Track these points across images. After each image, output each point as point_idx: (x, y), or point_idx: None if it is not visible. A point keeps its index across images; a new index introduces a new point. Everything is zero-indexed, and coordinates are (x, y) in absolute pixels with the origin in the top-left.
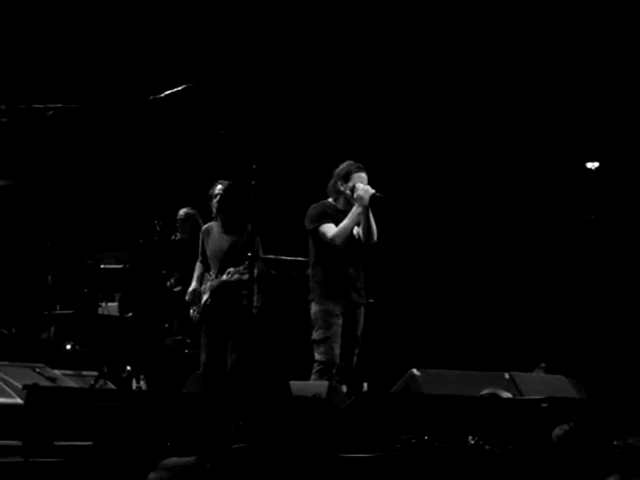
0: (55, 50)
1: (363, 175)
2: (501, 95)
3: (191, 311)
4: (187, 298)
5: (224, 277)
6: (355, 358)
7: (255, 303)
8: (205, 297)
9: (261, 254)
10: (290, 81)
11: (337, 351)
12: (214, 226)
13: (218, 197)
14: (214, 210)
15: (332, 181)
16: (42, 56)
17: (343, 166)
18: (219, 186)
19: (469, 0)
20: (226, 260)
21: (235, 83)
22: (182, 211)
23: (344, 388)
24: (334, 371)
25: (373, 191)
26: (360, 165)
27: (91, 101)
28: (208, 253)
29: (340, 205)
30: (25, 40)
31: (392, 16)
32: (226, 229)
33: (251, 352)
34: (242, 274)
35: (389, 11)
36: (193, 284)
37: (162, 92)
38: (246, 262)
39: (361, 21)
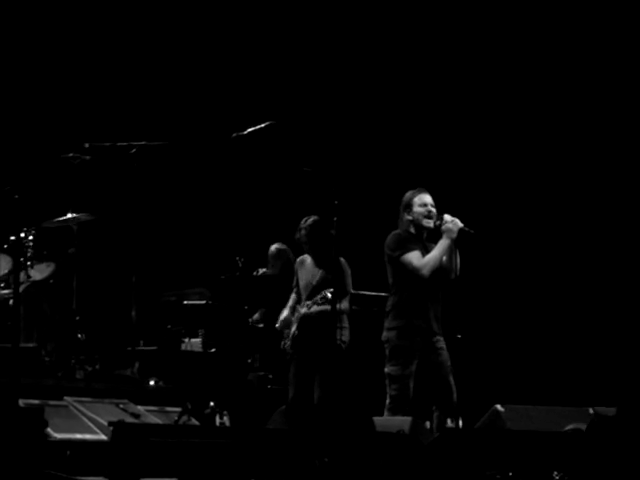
0: (138, 88)
1: (423, 196)
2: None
3: (282, 343)
4: (277, 326)
5: (303, 310)
6: (454, 387)
7: (343, 338)
8: (293, 329)
9: (350, 289)
10: (371, 116)
11: (411, 387)
12: (308, 258)
13: (305, 234)
14: (304, 246)
15: (400, 213)
16: (125, 94)
17: (404, 196)
18: (306, 222)
19: None
20: (315, 293)
21: (317, 120)
22: (273, 247)
23: (428, 424)
24: (407, 408)
25: (462, 225)
26: (419, 188)
27: (174, 138)
28: (300, 284)
29: (414, 232)
30: (108, 78)
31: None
32: (318, 263)
33: (337, 388)
34: (319, 304)
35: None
36: (285, 312)
37: (245, 129)
38: (322, 292)
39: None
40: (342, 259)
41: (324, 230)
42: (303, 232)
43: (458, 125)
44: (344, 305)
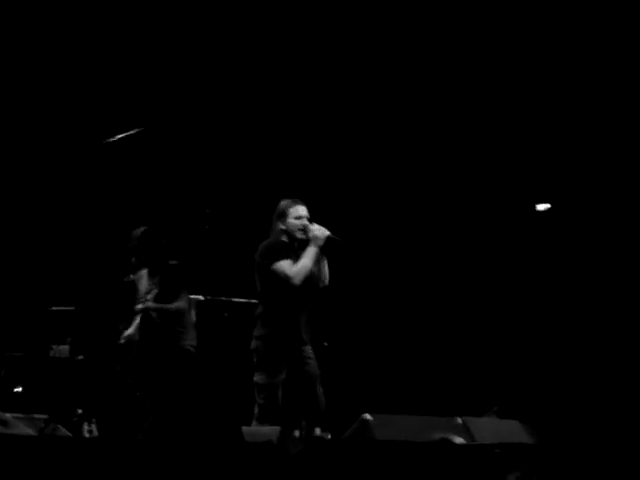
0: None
1: (299, 207)
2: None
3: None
4: (121, 342)
5: (139, 306)
6: (322, 397)
7: (191, 342)
8: (130, 330)
9: (185, 289)
10: (244, 126)
11: (280, 396)
12: (144, 270)
13: (137, 244)
14: (136, 256)
15: (273, 223)
16: None
17: (280, 205)
18: (136, 232)
19: None
20: (157, 300)
21: (190, 127)
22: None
23: (296, 433)
24: (275, 417)
25: (328, 233)
26: (295, 199)
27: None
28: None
29: (286, 240)
30: None
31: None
32: (151, 272)
33: (188, 393)
34: (147, 296)
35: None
36: (130, 330)
37: (114, 136)
38: (153, 291)
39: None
40: (175, 262)
41: (155, 239)
42: (135, 242)
43: (332, 133)
44: (181, 304)
